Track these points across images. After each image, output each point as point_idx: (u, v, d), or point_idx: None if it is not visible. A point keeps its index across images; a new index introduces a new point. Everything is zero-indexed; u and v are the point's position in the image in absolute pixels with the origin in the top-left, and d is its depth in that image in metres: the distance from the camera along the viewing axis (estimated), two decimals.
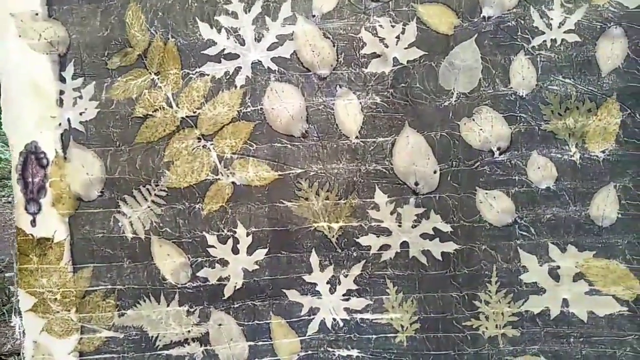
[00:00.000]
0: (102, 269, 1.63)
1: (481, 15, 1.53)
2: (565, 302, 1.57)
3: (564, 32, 1.51)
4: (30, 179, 1.61)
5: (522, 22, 1.52)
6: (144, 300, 1.64)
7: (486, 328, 1.59)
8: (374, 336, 1.62)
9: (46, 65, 1.58)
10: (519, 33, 1.52)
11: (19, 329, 1.64)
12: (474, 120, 1.55)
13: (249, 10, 1.55)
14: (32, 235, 1.62)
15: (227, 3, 1.55)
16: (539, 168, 1.55)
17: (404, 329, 1.61)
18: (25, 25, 1.57)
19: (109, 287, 1.63)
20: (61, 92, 1.59)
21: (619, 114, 1.52)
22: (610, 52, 1.51)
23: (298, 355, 1.63)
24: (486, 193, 1.57)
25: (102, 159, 1.60)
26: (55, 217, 1.61)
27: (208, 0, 1.55)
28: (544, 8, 1.51)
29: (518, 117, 1.54)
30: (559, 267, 1.56)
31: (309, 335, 1.63)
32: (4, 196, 5.31)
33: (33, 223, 1.62)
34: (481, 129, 1.55)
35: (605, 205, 1.54)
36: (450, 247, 1.59)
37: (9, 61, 1.59)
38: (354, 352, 1.62)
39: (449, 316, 1.60)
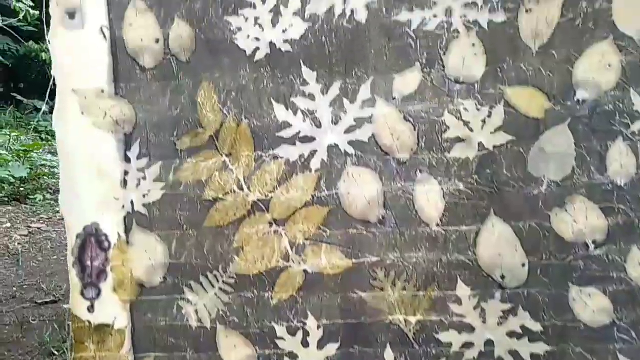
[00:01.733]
0: (164, 359, 1.53)
1: (575, 99, 1.43)
2: None
3: None
4: (88, 263, 1.53)
5: (621, 105, 1.42)
6: None
7: None
8: None
9: (111, 145, 1.51)
10: (617, 117, 1.42)
11: None
12: (566, 210, 1.44)
13: (327, 92, 1.47)
14: (89, 322, 1.53)
15: (304, 85, 1.47)
16: (639, 264, 1.43)
17: None
18: (89, 102, 1.50)
19: None
20: (126, 173, 1.52)
21: None
22: None
23: None
24: (580, 290, 1.44)
25: (167, 243, 1.52)
26: (117, 303, 1.53)
27: (284, 81, 1.47)
28: None
29: (617, 209, 1.43)
30: None
31: None
32: (57, 212, 4.47)
33: (91, 309, 1.53)
34: (574, 221, 1.44)
35: None
36: (541, 348, 1.46)
37: (69, 139, 1.52)
38: None
39: None
